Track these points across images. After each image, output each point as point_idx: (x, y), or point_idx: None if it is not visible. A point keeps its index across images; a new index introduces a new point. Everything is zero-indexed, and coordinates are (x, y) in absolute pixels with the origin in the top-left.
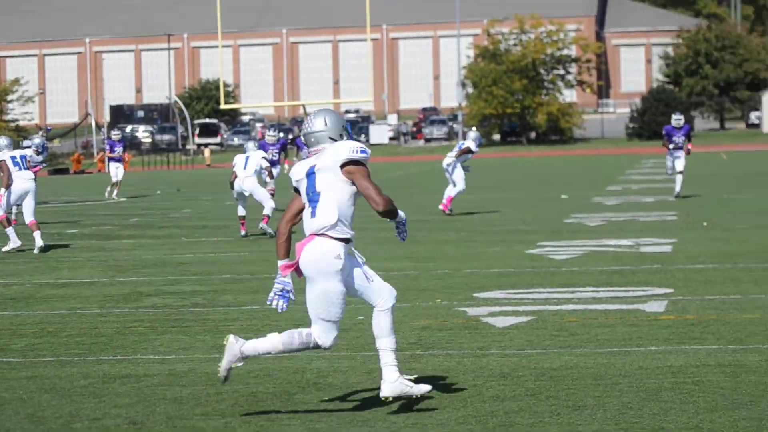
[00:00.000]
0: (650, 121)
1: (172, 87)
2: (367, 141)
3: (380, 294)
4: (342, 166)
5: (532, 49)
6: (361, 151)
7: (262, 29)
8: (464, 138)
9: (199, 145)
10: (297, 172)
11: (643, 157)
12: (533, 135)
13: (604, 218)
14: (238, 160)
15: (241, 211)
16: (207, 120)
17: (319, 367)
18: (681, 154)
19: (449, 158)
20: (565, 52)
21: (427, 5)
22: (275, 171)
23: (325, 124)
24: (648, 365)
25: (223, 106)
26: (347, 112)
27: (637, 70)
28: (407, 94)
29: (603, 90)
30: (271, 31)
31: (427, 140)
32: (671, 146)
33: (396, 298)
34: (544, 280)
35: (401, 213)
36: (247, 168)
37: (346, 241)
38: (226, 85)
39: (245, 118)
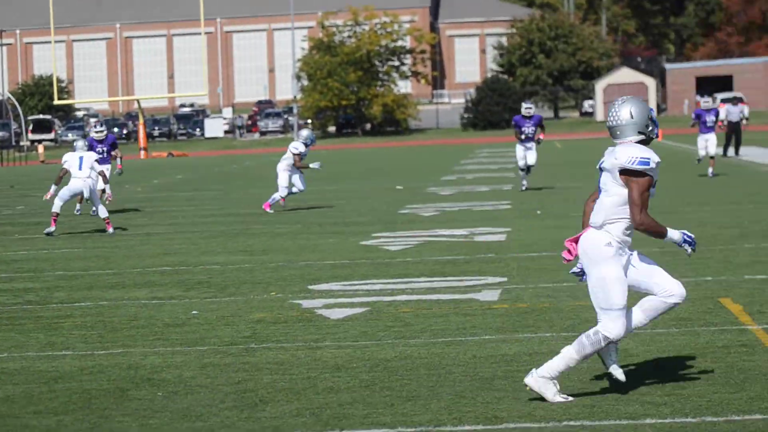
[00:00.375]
0: (485, 111)
1: (4, 83)
2: (203, 135)
3: (663, 287)
4: (621, 171)
5: (366, 41)
6: (640, 163)
7: (95, 24)
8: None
9: (32, 142)
10: (604, 159)
11: (478, 147)
12: (369, 126)
13: (438, 208)
14: (70, 159)
15: (57, 207)
16: (41, 116)
17: (152, 363)
18: (532, 145)
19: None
20: (399, 43)
21: None
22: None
23: (631, 116)
24: (481, 354)
25: (56, 102)
26: (182, 106)
27: (471, 60)
28: (242, 88)
29: (438, 81)
30: (105, 25)
31: (263, 133)
32: (522, 137)
33: (683, 298)
34: (379, 271)
35: (675, 233)
36: (83, 170)
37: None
38: (59, 81)
39: (79, 114)
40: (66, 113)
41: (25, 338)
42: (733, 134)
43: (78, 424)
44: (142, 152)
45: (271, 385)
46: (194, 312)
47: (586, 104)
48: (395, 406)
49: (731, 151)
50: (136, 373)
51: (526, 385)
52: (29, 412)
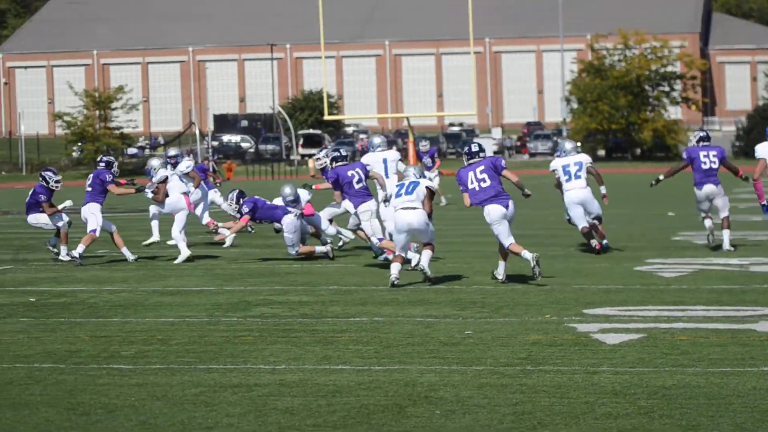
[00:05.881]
0: (756, 140)
1: (275, 97)
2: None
3: None
4: None
5: (636, 65)
6: None
7: (365, 41)
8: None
9: (302, 156)
10: None
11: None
12: (639, 151)
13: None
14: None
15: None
16: (311, 131)
17: (429, 381)
18: None
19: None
20: (669, 68)
21: (530, 19)
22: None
23: None
24: (762, 386)
25: (327, 117)
26: (451, 125)
27: (742, 87)
28: (511, 108)
29: (708, 107)
30: (374, 42)
31: (532, 155)
32: None
33: None
34: (654, 297)
35: None
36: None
37: None
38: (329, 96)
39: (349, 130)
40: (336, 128)
41: (302, 351)
42: None
43: None
44: None
45: (549, 408)
46: (468, 332)
47: None
48: None
49: None
50: (414, 390)
51: None
52: (309, 424)
